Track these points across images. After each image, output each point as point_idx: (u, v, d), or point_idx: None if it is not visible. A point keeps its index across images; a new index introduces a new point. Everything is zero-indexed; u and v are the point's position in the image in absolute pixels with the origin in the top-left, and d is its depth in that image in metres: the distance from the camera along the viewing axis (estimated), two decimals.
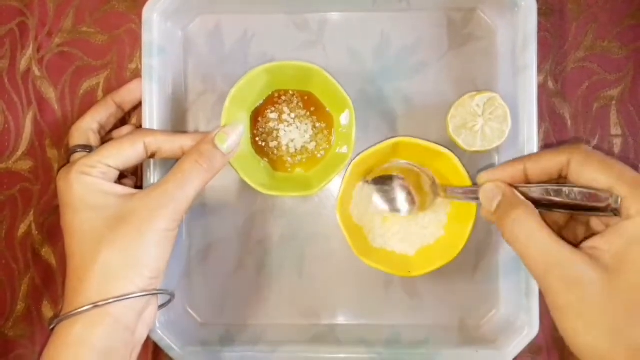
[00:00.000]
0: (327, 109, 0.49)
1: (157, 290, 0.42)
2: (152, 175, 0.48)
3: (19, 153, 0.52)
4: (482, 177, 0.42)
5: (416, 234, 0.49)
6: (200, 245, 0.51)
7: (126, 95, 0.49)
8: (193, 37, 0.51)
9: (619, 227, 0.35)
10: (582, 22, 0.51)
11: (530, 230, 0.37)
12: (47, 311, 0.52)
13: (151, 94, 0.47)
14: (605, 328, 0.34)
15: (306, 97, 0.50)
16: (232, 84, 0.47)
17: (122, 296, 0.39)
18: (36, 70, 0.52)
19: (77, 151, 0.46)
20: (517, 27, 0.46)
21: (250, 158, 0.49)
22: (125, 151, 0.43)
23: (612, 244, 0.35)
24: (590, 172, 0.37)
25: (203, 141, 0.44)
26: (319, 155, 0.50)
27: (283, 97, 0.50)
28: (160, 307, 0.46)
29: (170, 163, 0.44)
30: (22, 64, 0.52)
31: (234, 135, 0.45)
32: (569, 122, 0.51)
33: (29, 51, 0.52)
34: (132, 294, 0.39)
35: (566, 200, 0.38)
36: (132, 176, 0.50)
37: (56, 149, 0.52)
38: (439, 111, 0.49)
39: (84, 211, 0.41)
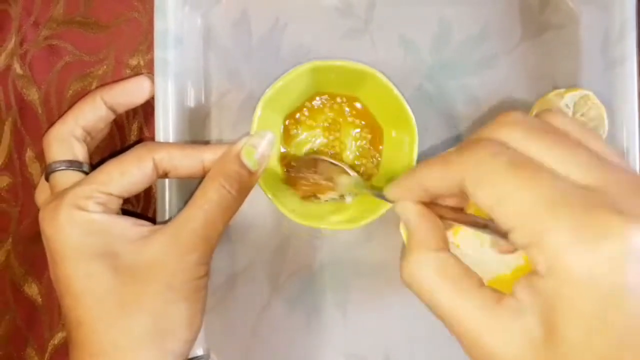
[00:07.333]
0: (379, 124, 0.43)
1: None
2: (167, 199, 0.41)
3: None
4: (390, 193, 0.32)
5: (489, 261, 0.42)
6: (224, 276, 0.45)
7: (120, 96, 0.40)
8: (215, 25, 0.44)
9: (534, 283, 0.25)
10: None
11: (428, 280, 0.29)
12: (31, 359, 0.45)
13: (166, 93, 0.41)
14: None
15: (353, 106, 0.43)
16: (261, 81, 0.41)
17: None
18: (18, 68, 0.45)
19: (59, 169, 0.37)
20: (610, 11, 0.41)
21: (279, 176, 0.42)
22: (130, 173, 0.35)
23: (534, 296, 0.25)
24: (484, 199, 0.25)
25: (227, 159, 0.36)
26: (365, 176, 0.43)
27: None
28: None
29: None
30: (1, 61, 0.45)
31: (263, 147, 0.37)
32: None
33: (11, 45, 0.45)
34: None
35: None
36: None
37: (38, 162, 0.45)
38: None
39: (85, 262, 0.33)
